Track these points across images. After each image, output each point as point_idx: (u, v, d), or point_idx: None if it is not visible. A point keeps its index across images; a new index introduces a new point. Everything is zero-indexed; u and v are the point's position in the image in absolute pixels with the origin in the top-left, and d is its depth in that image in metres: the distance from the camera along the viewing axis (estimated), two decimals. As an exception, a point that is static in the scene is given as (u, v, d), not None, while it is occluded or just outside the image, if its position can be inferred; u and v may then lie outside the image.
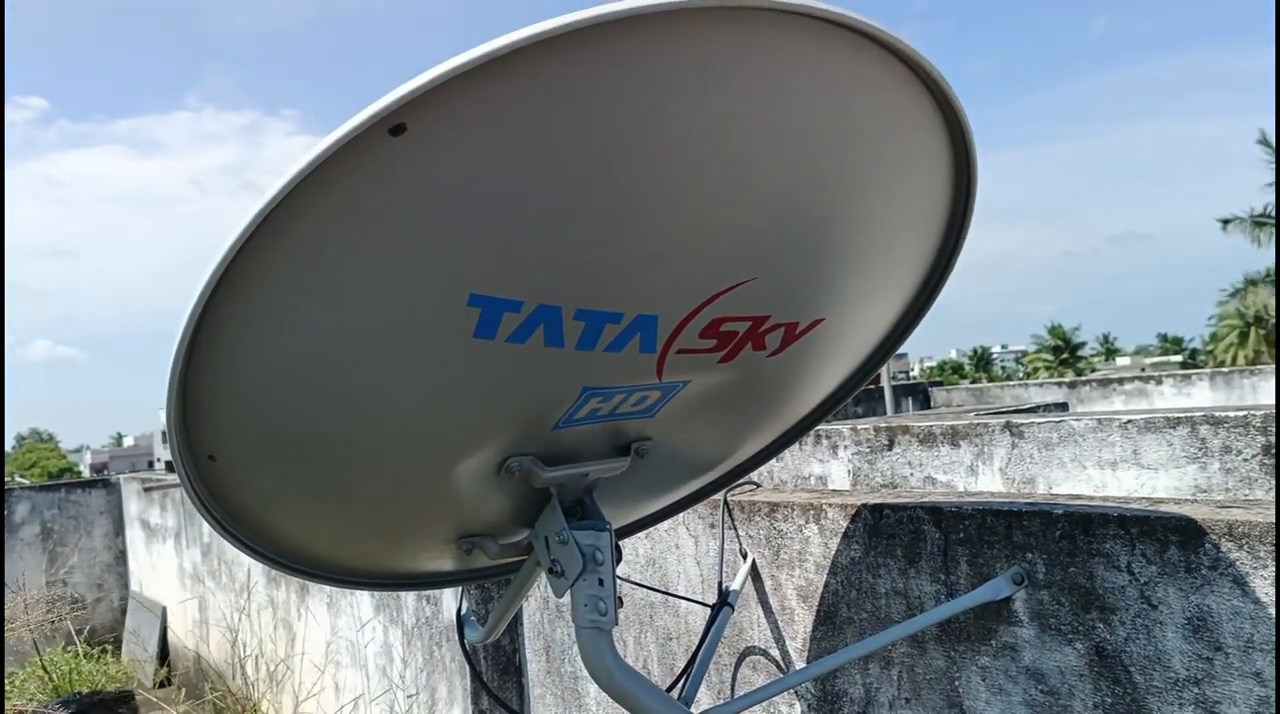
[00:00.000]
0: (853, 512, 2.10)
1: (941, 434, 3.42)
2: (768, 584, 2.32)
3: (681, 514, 2.60)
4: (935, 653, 1.93)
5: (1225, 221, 41.43)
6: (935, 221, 1.60)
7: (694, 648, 2.16)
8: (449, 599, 3.66)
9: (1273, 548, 1.47)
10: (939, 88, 1.38)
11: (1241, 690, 1.49)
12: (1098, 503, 1.76)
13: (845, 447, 3.74)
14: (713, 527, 2.49)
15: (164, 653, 9.07)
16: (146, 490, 9.36)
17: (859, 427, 3.70)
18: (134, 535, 10.58)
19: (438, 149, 1.12)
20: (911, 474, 3.53)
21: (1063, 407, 4.52)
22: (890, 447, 3.60)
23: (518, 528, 1.76)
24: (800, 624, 2.23)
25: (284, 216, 1.13)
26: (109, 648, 8.68)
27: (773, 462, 4.63)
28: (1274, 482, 1.64)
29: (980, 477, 3.40)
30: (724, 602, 2.19)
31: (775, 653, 2.31)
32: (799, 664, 2.23)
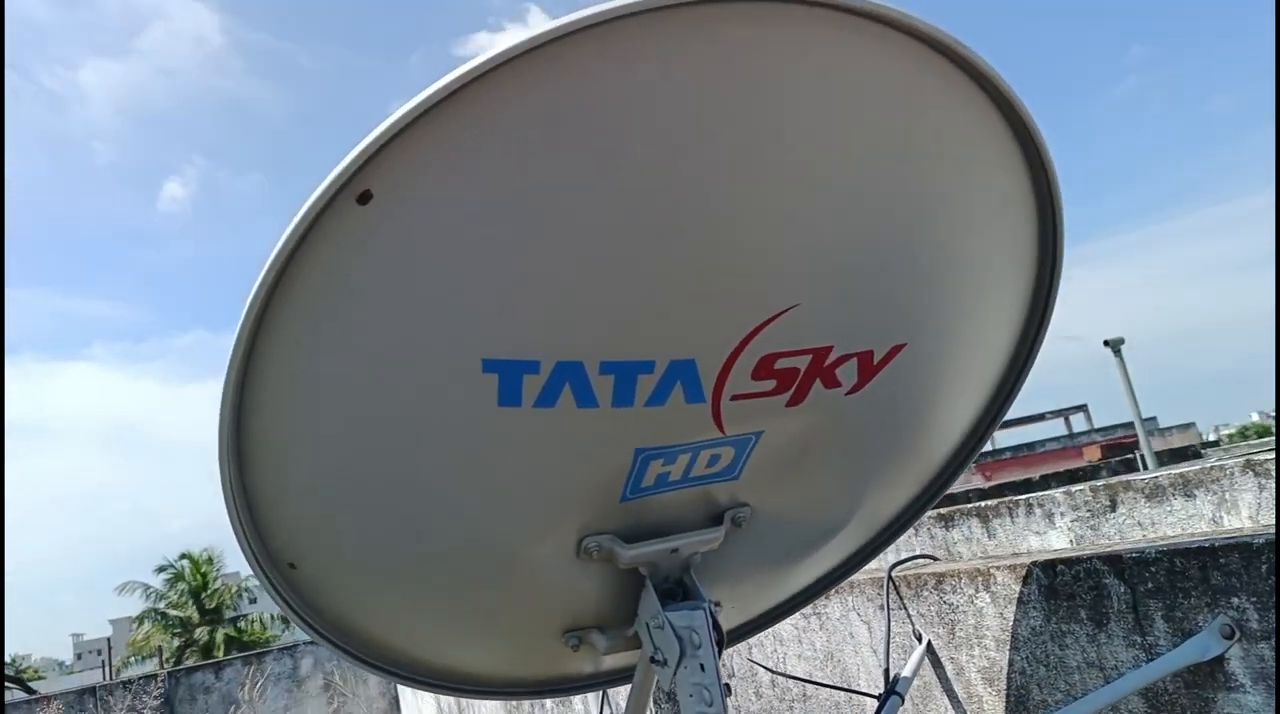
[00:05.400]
0: (1023, 573, 1.81)
1: (1170, 485, 2.93)
2: (949, 668, 2.03)
3: (850, 599, 2.36)
4: (1149, 735, 1.58)
5: None
6: (1017, 220, 1.40)
7: (872, 749, 1.90)
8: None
9: None
10: (1004, 96, 1.24)
11: None
12: (1315, 525, 1.41)
13: (1061, 514, 3.29)
14: (883, 609, 2.23)
15: (434, 796, 9.31)
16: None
17: (1074, 490, 3.26)
18: (402, 682, 11.16)
19: (409, 210, 1.10)
20: (1143, 536, 3.03)
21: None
22: (1114, 507, 3.13)
23: (626, 619, 1.64)
24: (991, 712, 1.91)
25: (273, 312, 1.14)
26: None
27: (984, 539, 4.18)
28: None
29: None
30: (891, 690, 1.92)
31: (970, 750, 1.99)
32: (999, 762, 1.90)
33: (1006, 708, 1.87)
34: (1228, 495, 2.89)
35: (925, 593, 2.08)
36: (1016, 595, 1.82)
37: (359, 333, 1.18)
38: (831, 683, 2.30)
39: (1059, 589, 1.73)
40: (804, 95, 1.14)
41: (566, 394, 1.25)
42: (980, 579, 1.92)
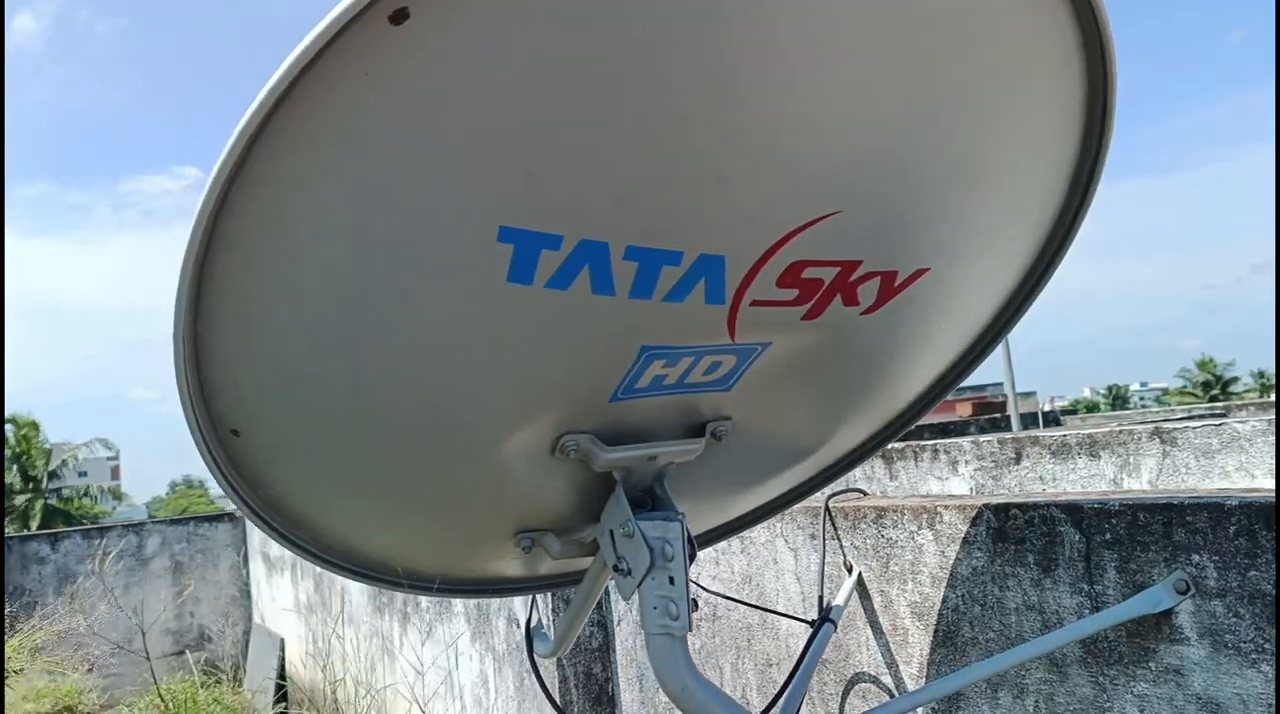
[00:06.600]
0: (973, 514, 1.82)
1: (1078, 444, 3.06)
2: (876, 600, 2.04)
3: (779, 525, 2.35)
4: (1080, 678, 1.62)
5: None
6: (1061, 171, 1.35)
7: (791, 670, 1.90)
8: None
9: None
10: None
11: None
12: (1281, 492, 1.44)
13: (966, 462, 3.40)
14: (813, 538, 2.23)
15: (282, 683, 9.19)
16: (266, 523, 9.59)
17: (981, 441, 3.37)
18: (256, 568, 10.85)
19: (448, 42, 0.95)
20: (1043, 490, 3.16)
21: (1221, 416, 4.03)
22: (1018, 460, 3.25)
23: (583, 523, 1.56)
24: (915, 646, 1.94)
25: (275, 133, 0.97)
26: (225, 677, 8.85)
27: (885, 480, 4.31)
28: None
29: (1124, 491, 3.00)
30: (825, 618, 1.93)
31: (888, 679, 2.02)
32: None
33: (933, 642, 1.90)
34: (1131, 458, 3.02)
35: (863, 526, 2.08)
36: (962, 535, 1.83)
37: (363, 178, 1.02)
38: (762, 606, 2.30)
39: (1008, 532, 1.74)
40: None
41: (583, 277, 1.13)
42: (925, 516, 1.92)
